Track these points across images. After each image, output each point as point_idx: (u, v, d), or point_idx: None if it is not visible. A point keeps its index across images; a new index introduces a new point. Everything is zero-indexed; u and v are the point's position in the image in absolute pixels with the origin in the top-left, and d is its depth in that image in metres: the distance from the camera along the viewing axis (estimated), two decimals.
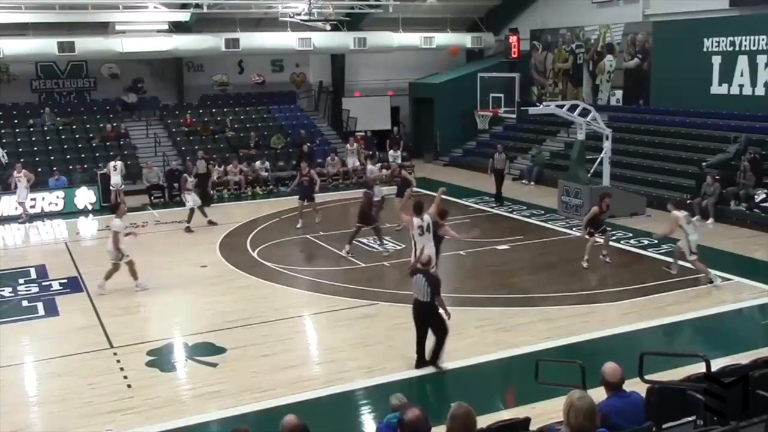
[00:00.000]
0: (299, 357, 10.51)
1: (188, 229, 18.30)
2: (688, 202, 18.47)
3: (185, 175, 19.37)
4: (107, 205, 21.31)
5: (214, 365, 10.14)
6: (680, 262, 13.69)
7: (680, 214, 13.47)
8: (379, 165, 19.05)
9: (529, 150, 25.55)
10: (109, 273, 13.40)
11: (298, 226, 18.07)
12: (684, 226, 13.34)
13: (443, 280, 12.94)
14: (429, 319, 9.70)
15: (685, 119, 22.57)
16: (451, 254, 15.38)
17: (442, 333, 9.71)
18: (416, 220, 11.79)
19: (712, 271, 13.28)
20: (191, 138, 25.90)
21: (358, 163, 24.70)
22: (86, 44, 24.18)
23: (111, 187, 21.40)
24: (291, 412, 5.66)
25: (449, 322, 9.71)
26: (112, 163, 21.66)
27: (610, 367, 5.67)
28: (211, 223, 18.71)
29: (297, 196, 18.66)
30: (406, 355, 10.30)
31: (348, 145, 25.11)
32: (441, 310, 9.63)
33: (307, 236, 17.47)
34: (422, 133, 29.82)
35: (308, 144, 25.13)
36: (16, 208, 20.26)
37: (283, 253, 16.31)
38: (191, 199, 18.51)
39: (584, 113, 18.69)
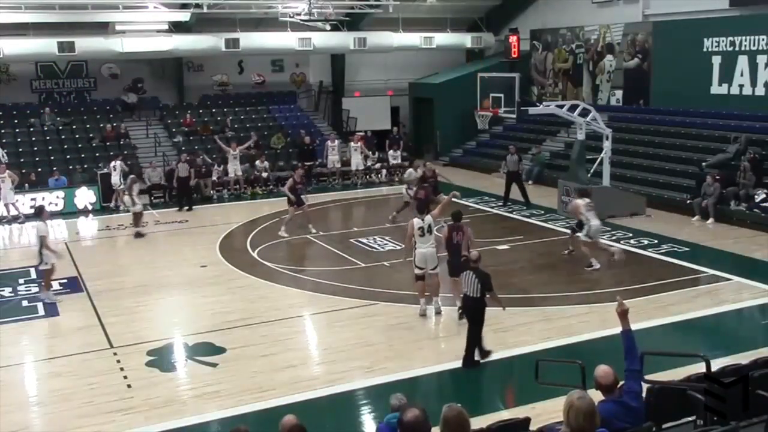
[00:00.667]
0: (299, 357, 10.50)
1: (138, 234, 17.89)
2: (688, 201, 18.52)
3: (133, 176, 18.99)
4: (107, 204, 21.43)
5: (214, 365, 10.14)
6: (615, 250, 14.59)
7: (581, 201, 14.43)
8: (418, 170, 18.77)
9: (529, 150, 25.55)
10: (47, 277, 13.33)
11: (313, 230, 17.80)
12: (584, 213, 14.18)
13: (443, 280, 12.94)
14: (472, 314, 9.86)
15: (685, 119, 22.56)
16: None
17: (476, 333, 9.84)
18: (416, 221, 11.79)
19: (595, 262, 14.15)
20: (191, 138, 25.90)
21: (362, 166, 24.62)
22: (86, 44, 24.17)
23: (113, 187, 21.43)
24: (291, 412, 5.65)
25: (503, 313, 10.15)
26: (112, 163, 21.66)
27: (602, 370, 5.67)
28: (138, 234, 17.96)
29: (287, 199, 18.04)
30: (406, 355, 10.32)
31: (352, 143, 25.05)
32: (496, 304, 9.97)
33: (307, 236, 17.46)
34: (422, 133, 29.81)
35: (309, 137, 25.11)
36: (16, 209, 20.21)
37: (283, 253, 16.32)
38: (139, 203, 18.16)
39: (584, 113, 18.69)
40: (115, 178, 21.39)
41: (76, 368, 10.15)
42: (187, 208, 21.04)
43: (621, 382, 5.71)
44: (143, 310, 12.70)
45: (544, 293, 12.85)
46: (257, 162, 24.00)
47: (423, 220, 11.77)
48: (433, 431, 4.76)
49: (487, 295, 9.85)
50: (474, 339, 9.83)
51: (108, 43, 24.62)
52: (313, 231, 17.61)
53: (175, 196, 21.66)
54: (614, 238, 16.52)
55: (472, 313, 9.89)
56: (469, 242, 11.81)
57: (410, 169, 19.54)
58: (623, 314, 6.00)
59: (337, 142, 25.25)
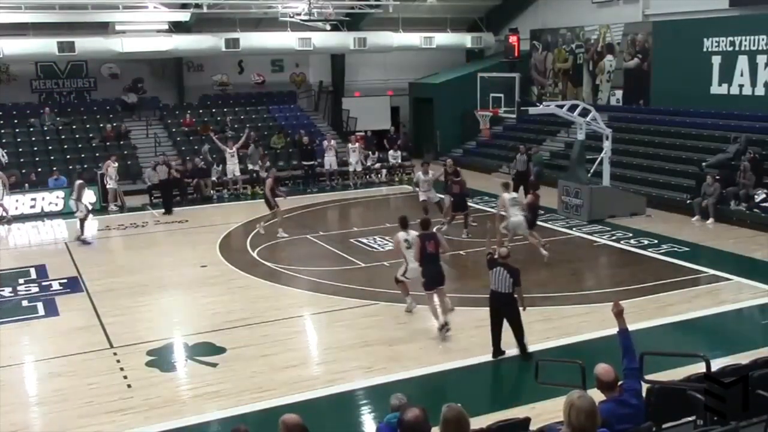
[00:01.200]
0: (299, 357, 10.50)
1: (84, 241, 17.39)
2: (688, 201, 18.52)
3: (81, 182, 18.22)
4: (106, 205, 21.44)
5: (214, 365, 10.14)
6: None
7: (507, 196, 14.79)
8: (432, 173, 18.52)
9: (528, 150, 25.52)
10: None
11: (262, 231, 17.72)
12: (507, 207, 14.54)
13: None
14: (506, 310, 9.93)
15: (685, 119, 22.56)
16: (451, 254, 15.35)
17: (518, 325, 9.99)
18: (402, 234, 11.67)
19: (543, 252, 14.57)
20: (191, 138, 25.90)
21: (360, 167, 24.58)
22: (86, 44, 24.19)
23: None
24: (291, 412, 5.62)
25: (523, 315, 10.05)
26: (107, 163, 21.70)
27: (602, 368, 5.68)
28: (83, 241, 17.42)
29: (264, 201, 17.92)
30: (406, 354, 10.32)
31: (350, 144, 25.03)
32: (519, 301, 10.00)
33: (307, 236, 17.47)
34: (422, 133, 29.81)
35: (308, 137, 25.08)
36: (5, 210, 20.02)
37: (283, 253, 16.31)
38: (83, 209, 17.63)
39: (584, 113, 18.68)
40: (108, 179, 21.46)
41: (76, 368, 10.15)
42: (164, 211, 20.63)
43: (620, 381, 5.71)
44: (143, 310, 12.69)
45: (544, 293, 12.83)
46: (259, 161, 23.95)
47: (408, 233, 11.68)
48: (433, 431, 4.76)
49: (515, 293, 9.94)
50: (520, 328, 10.00)
51: (108, 43, 24.64)
52: (262, 232, 17.53)
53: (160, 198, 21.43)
54: (614, 238, 16.55)
55: (504, 308, 9.95)
56: (443, 249, 11.41)
57: (419, 173, 19.22)
58: (619, 314, 6.07)
59: (334, 142, 25.21)
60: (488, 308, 10.18)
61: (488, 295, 10.19)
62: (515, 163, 20.91)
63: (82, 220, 17.65)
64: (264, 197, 17.96)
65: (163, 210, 20.73)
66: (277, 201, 17.65)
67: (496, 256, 10.50)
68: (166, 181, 21.07)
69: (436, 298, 11.15)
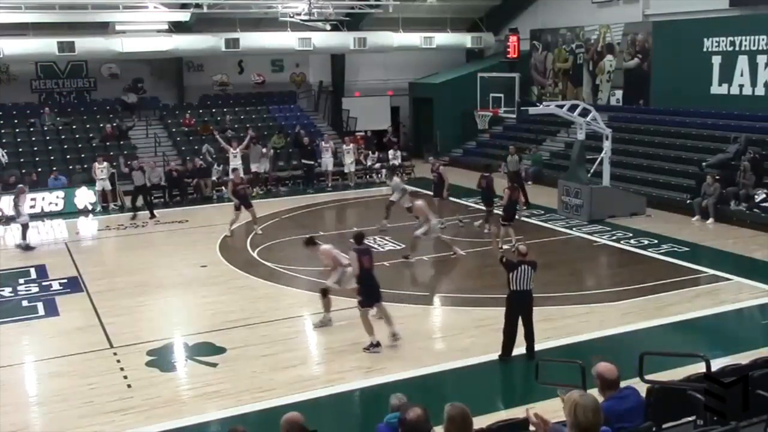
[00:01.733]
0: (299, 357, 10.50)
1: (27, 247, 16.95)
2: (688, 201, 18.52)
3: (21, 186, 18.01)
4: (105, 205, 21.42)
5: (214, 365, 10.14)
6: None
7: (421, 203, 15.58)
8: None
9: (527, 150, 25.54)
10: None
11: (259, 232, 17.81)
12: (427, 212, 15.36)
13: (443, 280, 12.92)
14: (528, 309, 9.94)
15: (685, 119, 22.57)
16: (451, 254, 15.35)
17: (532, 322, 9.99)
18: (329, 246, 11.88)
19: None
20: (191, 138, 25.90)
21: (353, 168, 24.53)
22: (86, 44, 24.17)
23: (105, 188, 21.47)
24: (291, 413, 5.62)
25: (502, 313, 10.07)
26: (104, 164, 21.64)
27: (605, 366, 5.66)
28: (27, 247, 16.97)
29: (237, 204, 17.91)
30: (406, 355, 10.32)
31: (344, 146, 25.02)
32: None
33: (307, 236, 17.42)
34: (422, 133, 29.81)
35: (306, 137, 25.03)
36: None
37: (283, 253, 16.30)
38: (25, 214, 17.36)
39: (584, 113, 18.69)
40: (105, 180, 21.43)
41: (76, 368, 10.15)
42: (150, 215, 20.04)
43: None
44: (143, 310, 12.70)
45: (544, 293, 12.80)
46: (264, 159, 23.92)
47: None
48: (434, 431, 4.76)
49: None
50: (515, 328, 9.97)
51: (108, 43, 24.62)
52: (259, 233, 17.65)
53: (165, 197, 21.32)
54: (614, 238, 16.54)
55: (527, 308, 9.94)
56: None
57: (396, 179, 19.30)
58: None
59: (332, 142, 25.19)
60: (504, 309, 10.05)
61: (494, 296, 10.18)
62: (506, 164, 20.91)
63: (24, 226, 17.15)
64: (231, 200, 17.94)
65: (149, 214, 20.21)
66: (240, 204, 17.65)
67: (504, 254, 10.50)
68: (142, 186, 20.79)
69: (372, 314, 10.79)
